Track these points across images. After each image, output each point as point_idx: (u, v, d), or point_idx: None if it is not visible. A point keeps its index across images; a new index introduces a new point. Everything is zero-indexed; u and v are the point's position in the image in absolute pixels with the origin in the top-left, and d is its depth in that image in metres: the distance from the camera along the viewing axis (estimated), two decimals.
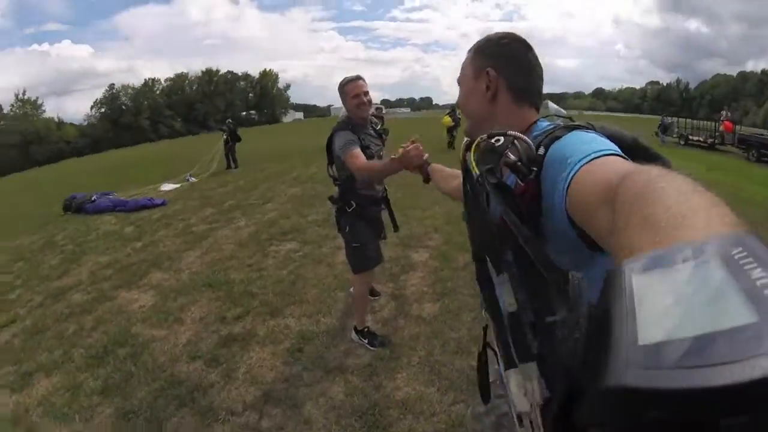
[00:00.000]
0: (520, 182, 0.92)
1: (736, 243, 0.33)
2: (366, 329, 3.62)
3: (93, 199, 11.00)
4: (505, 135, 0.98)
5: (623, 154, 0.82)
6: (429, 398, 2.94)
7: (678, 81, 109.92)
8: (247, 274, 5.23)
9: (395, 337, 3.69)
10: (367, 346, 3.54)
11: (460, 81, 1.33)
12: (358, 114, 3.07)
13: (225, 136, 16.16)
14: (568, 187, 0.81)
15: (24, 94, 72.38)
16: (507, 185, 0.93)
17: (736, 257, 0.31)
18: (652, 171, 0.57)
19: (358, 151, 2.89)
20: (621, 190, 0.60)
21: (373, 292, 4.31)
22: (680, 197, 0.46)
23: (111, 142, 69.42)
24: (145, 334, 4.10)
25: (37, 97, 74.28)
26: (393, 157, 2.49)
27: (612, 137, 0.92)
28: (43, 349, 4.03)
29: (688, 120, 23.97)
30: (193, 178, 14.10)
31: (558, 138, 0.92)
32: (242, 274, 5.25)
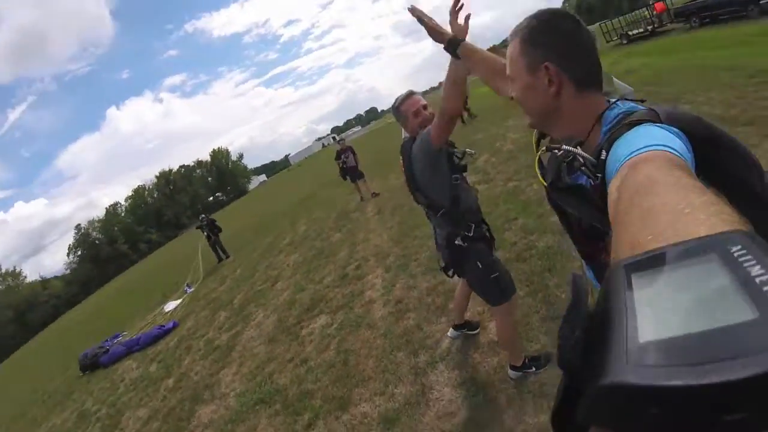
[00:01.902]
0: (591, 182, 0.93)
1: (735, 241, 0.34)
2: (526, 359, 3.12)
3: (106, 349, 10.70)
4: (561, 148, 0.98)
5: (674, 147, 0.76)
6: None
7: None
8: (294, 371, 4.82)
9: (479, 378, 3.34)
10: (535, 372, 3.08)
11: (511, 74, 1.22)
12: (413, 128, 2.75)
13: (205, 233, 15.84)
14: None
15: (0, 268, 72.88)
16: (582, 185, 0.94)
17: (736, 255, 0.32)
18: (655, 163, 0.66)
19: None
20: (625, 181, 0.67)
21: (471, 325, 3.89)
22: (680, 192, 0.51)
23: (99, 279, 69.85)
24: None
25: (14, 267, 75.29)
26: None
27: (678, 122, 0.89)
28: None
29: (621, 18, 24.16)
30: (190, 288, 13.74)
31: (617, 138, 0.89)
32: (289, 375, 4.83)
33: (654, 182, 0.59)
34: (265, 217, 22.29)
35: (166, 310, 12.17)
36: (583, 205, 0.91)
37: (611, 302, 0.35)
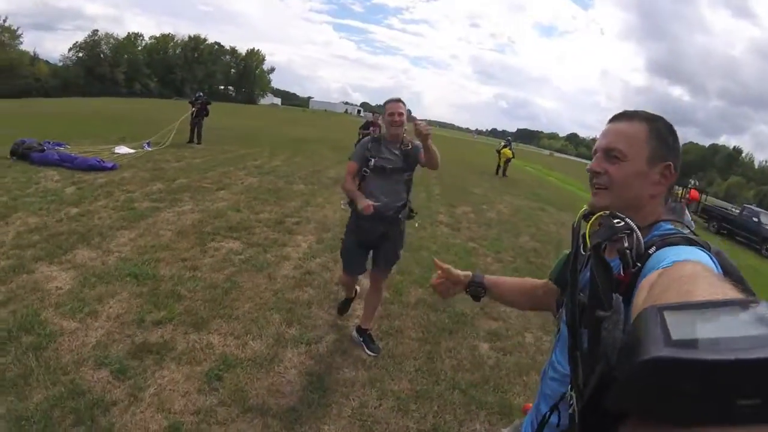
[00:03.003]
0: (622, 271, 0.95)
1: (758, 302, 0.40)
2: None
3: (43, 148, 10.42)
4: (624, 220, 1.00)
5: (712, 268, 0.83)
6: None
7: None
8: (179, 270, 4.79)
9: (328, 379, 3.36)
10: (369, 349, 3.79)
11: (626, 152, 1.17)
12: (389, 131, 3.51)
13: (194, 110, 15.56)
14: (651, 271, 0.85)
15: (5, 21, 69.38)
16: (610, 265, 0.92)
17: (757, 308, 0.38)
18: (699, 265, 0.75)
19: (351, 164, 3.53)
20: (666, 272, 0.75)
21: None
22: (716, 285, 0.57)
23: (82, 88, 67.69)
24: (55, 324, 3.62)
25: (18, 27, 71.57)
26: (363, 200, 3.34)
27: (722, 266, 0.94)
28: None
29: None
30: (149, 147, 13.47)
31: (672, 244, 0.95)
32: (174, 269, 4.80)
33: (695, 275, 0.65)
34: (255, 134, 22.12)
35: (115, 152, 11.89)
36: (607, 280, 0.90)
37: (645, 319, 0.40)
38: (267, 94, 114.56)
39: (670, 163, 1.16)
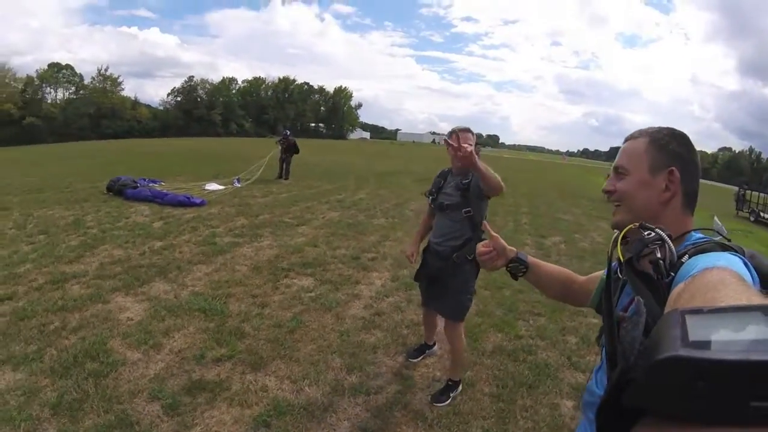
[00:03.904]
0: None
1: None
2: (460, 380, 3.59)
3: (137, 185, 11.07)
4: (655, 231, 0.99)
5: (746, 276, 0.83)
6: None
7: (750, 150, 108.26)
8: (248, 307, 4.70)
9: None
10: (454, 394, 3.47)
11: (627, 167, 1.25)
12: (453, 163, 3.23)
13: (281, 147, 16.19)
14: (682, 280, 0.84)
15: (106, 70, 77.35)
16: (651, 275, 0.93)
17: None
18: (727, 271, 0.77)
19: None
20: (694, 280, 0.78)
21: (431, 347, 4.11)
22: (742, 292, 0.60)
23: (180, 130, 73.00)
24: (119, 353, 3.73)
25: (119, 75, 79.32)
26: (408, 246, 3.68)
27: (758, 268, 0.95)
28: (22, 339, 3.82)
29: (761, 195, 21.30)
30: (239, 183, 14.01)
31: (704, 251, 0.97)
32: (243, 305, 4.73)
33: (721, 282, 0.68)
34: (343, 168, 22.48)
35: (206, 188, 12.46)
36: (646, 293, 0.88)
37: (666, 322, 0.41)
38: (356, 129, 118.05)
39: (674, 168, 1.18)
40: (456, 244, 3.21)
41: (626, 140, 1.29)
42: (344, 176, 18.40)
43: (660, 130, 1.24)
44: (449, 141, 2.67)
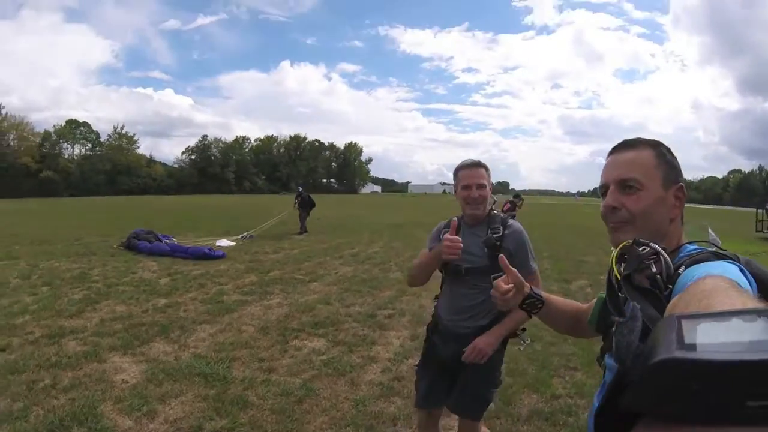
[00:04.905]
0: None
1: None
2: None
3: (152, 239, 11.21)
4: (649, 246, 0.98)
5: (742, 283, 0.83)
6: None
7: (760, 168, 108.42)
8: (253, 372, 4.27)
9: None
10: None
11: (642, 181, 1.15)
12: (465, 210, 2.43)
13: (296, 203, 16.44)
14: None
15: (122, 128, 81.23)
16: (650, 289, 0.92)
17: None
18: (723, 279, 0.77)
19: (422, 252, 2.64)
20: (689, 288, 0.78)
21: None
22: (737, 298, 0.61)
23: (194, 187, 74.86)
24: (109, 419, 3.38)
25: (134, 134, 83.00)
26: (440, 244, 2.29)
27: (755, 275, 0.95)
28: (9, 394, 3.64)
29: None
30: (247, 236, 14.15)
31: (700, 261, 0.95)
32: (248, 370, 4.30)
33: (715, 289, 0.69)
34: (356, 222, 22.42)
35: (218, 244, 12.33)
36: (648, 308, 0.85)
37: (663, 326, 0.41)
38: (367, 183, 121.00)
39: (682, 184, 1.19)
40: (482, 324, 2.38)
41: (618, 150, 1.23)
42: (357, 230, 18.22)
43: (656, 142, 1.22)
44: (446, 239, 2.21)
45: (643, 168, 1.16)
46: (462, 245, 2.20)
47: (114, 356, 4.51)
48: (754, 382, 0.32)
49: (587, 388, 4.09)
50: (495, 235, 2.32)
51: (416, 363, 2.73)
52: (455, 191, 2.49)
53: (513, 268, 1.43)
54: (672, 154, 1.21)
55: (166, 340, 5.00)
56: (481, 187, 2.36)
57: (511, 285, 1.41)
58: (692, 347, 0.35)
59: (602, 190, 1.24)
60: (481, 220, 2.42)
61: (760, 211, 21.56)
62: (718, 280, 0.76)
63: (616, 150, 1.24)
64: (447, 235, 2.21)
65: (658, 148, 1.19)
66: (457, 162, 2.48)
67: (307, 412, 3.61)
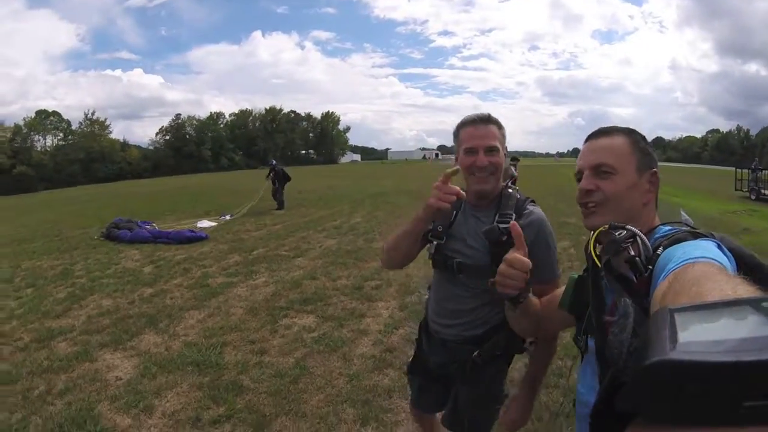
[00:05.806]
0: (635, 278, 0.95)
1: (763, 298, 0.39)
2: None
3: (137, 226, 11.08)
4: (625, 228, 1.00)
5: (722, 262, 0.85)
6: None
7: (738, 128, 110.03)
8: (245, 355, 4.29)
9: None
10: None
11: (615, 166, 1.20)
12: (469, 184, 1.79)
13: (269, 178, 15.94)
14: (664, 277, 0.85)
15: (93, 114, 78.13)
16: (628, 277, 0.94)
17: (762, 304, 0.38)
18: (708, 265, 0.79)
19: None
20: (678, 276, 0.78)
21: None
22: (727, 283, 0.62)
23: (171, 168, 73.50)
24: (108, 419, 3.35)
25: (106, 119, 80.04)
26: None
27: (731, 250, 0.97)
28: (6, 407, 3.52)
29: (762, 173, 20.34)
30: (225, 217, 13.97)
31: (678, 241, 0.97)
32: (239, 354, 4.32)
33: (705, 276, 0.70)
34: (336, 192, 22.28)
35: (198, 226, 12.20)
36: (629, 293, 0.89)
37: (655, 322, 0.40)
38: (346, 153, 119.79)
39: (656, 170, 1.24)
40: (475, 334, 1.86)
41: (595, 137, 1.27)
42: (338, 201, 18.13)
43: (631, 130, 1.26)
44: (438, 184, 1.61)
45: (617, 154, 1.21)
46: (461, 192, 1.61)
47: (105, 353, 4.45)
48: (751, 382, 0.31)
49: (576, 350, 4.17)
50: (503, 225, 1.65)
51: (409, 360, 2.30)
52: (456, 157, 1.84)
53: (526, 246, 1.33)
54: (646, 142, 1.26)
55: (155, 331, 4.97)
56: (492, 150, 1.73)
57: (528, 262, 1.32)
58: (686, 346, 0.34)
59: (578, 176, 1.27)
60: (491, 199, 1.81)
61: (739, 170, 21.66)
62: (705, 267, 0.78)
63: (591, 137, 1.27)
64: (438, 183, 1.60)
65: (632, 135, 1.24)
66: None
67: (303, 392, 3.66)
